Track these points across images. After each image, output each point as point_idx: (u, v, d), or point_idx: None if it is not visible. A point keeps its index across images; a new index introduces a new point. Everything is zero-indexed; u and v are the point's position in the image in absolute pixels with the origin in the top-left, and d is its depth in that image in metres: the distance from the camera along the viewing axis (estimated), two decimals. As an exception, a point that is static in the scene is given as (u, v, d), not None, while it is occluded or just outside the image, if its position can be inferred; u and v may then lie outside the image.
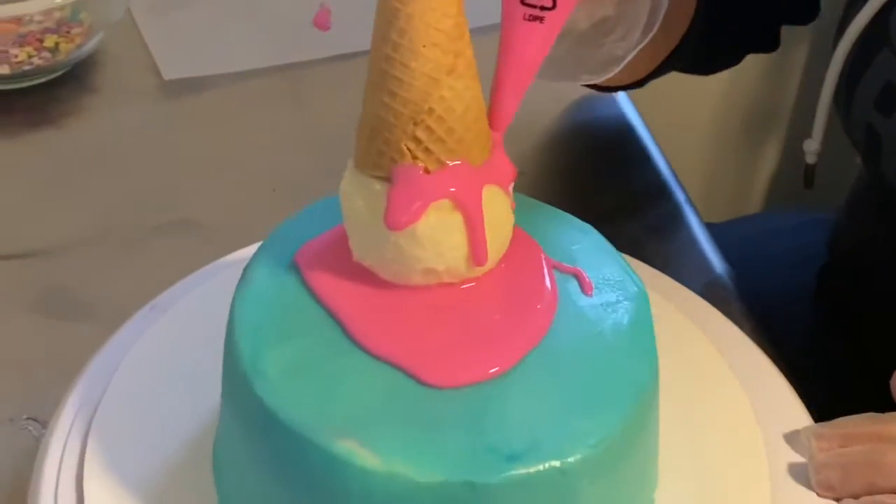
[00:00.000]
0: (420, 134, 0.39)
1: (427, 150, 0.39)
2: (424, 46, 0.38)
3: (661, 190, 0.69)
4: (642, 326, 0.42)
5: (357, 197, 0.41)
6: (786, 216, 0.87)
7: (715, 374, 0.49)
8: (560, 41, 0.54)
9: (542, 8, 0.41)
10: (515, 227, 0.43)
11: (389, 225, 0.39)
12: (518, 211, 0.44)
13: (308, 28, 0.79)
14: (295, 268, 0.43)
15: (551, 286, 0.42)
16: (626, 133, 0.74)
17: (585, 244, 0.45)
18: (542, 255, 0.43)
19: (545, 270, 0.43)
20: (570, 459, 0.37)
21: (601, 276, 0.44)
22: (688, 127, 1.26)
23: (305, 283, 0.42)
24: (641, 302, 0.43)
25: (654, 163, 0.71)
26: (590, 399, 0.39)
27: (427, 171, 0.39)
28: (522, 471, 0.37)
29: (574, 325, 0.41)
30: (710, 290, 0.57)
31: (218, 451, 0.45)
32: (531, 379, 0.39)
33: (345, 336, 0.40)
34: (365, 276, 0.42)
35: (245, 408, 0.40)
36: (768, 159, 1.33)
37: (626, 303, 0.43)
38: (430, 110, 0.38)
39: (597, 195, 0.66)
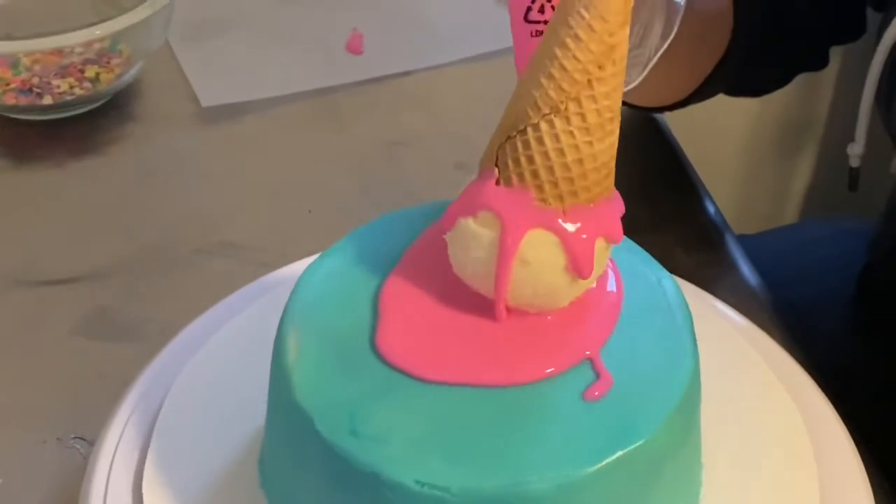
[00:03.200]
0: (508, 146, 0.39)
1: (506, 163, 0.39)
2: (542, 76, 0.38)
3: (692, 203, 0.70)
4: (599, 454, 0.38)
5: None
6: (819, 227, 0.87)
7: (764, 386, 0.49)
8: None
9: (546, 22, 0.41)
10: (616, 304, 0.42)
11: (444, 219, 0.41)
12: (654, 307, 0.43)
13: (342, 53, 0.81)
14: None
15: (556, 369, 0.40)
16: (658, 146, 0.74)
17: (664, 373, 0.41)
18: (590, 346, 0.41)
19: (570, 356, 0.41)
20: (391, 477, 0.37)
21: (627, 403, 0.40)
22: (722, 139, 1.26)
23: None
24: (631, 441, 0.39)
25: (685, 176, 0.71)
26: (451, 443, 0.39)
27: (498, 182, 0.40)
28: (356, 449, 0.38)
29: (535, 401, 0.39)
30: (741, 302, 0.57)
31: (263, 455, 0.46)
32: (438, 409, 0.39)
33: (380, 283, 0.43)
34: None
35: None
36: (803, 171, 1.33)
37: (612, 433, 0.39)
38: (524, 131, 0.39)
39: (629, 208, 0.66)
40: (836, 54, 0.71)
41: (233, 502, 0.44)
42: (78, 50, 0.70)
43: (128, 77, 0.75)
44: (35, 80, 0.71)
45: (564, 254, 0.40)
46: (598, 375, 0.40)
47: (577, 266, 0.40)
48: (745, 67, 0.64)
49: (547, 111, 0.38)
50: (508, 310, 0.41)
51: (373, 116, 0.76)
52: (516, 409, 0.39)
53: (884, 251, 0.71)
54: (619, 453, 0.38)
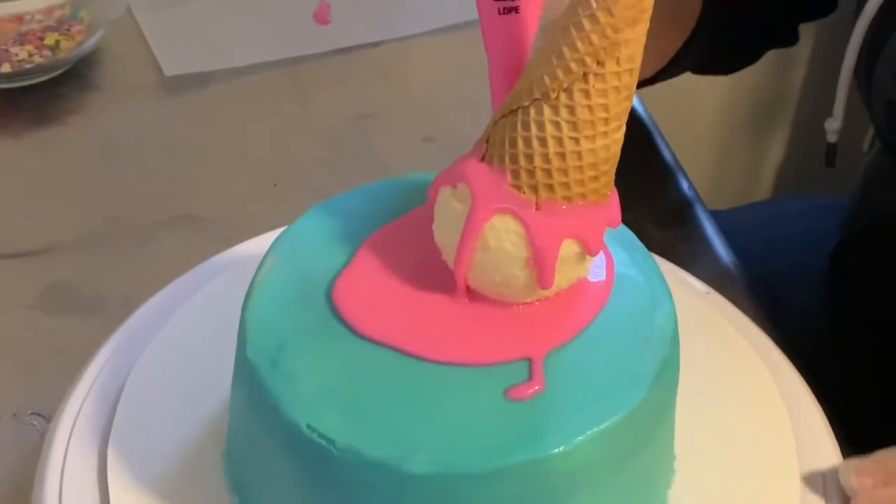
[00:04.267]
0: (499, 125, 0.38)
1: (494, 142, 0.38)
2: (542, 60, 0.37)
3: (666, 180, 0.69)
4: (493, 454, 0.37)
5: None
6: (791, 202, 0.87)
7: (744, 365, 0.49)
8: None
9: None
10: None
11: (432, 188, 0.40)
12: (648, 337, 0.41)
13: (309, 22, 0.80)
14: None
15: (489, 359, 0.39)
16: (630, 123, 0.73)
17: (610, 393, 0.39)
18: (538, 346, 0.39)
19: (510, 351, 0.39)
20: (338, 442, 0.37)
21: (549, 413, 0.38)
22: (694, 115, 1.26)
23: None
24: (535, 452, 0.37)
25: (658, 153, 0.71)
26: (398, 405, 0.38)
27: (482, 159, 0.38)
28: (269, 378, 0.39)
29: (456, 384, 0.38)
30: (714, 277, 0.56)
31: (228, 439, 0.45)
32: (358, 363, 0.39)
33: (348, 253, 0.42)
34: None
35: None
36: (775, 147, 1.33)
37: (517, 438, 0.37)
38: (515, 112, 0.37)
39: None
40: (809, 30, 0.70)
41: (197, 476, 0.44)
42: (37, 17, 0.69)
43: (89, 45, 0.73)
44: (-8, 48, 0.69)
45: (527, 247, 0.38)
46: (530, 376, 0.39)
47: (539, 263, 0.38)
48: (714, 44, 0.64)
49: (538, 96, 0.37)
50: (472, 292, 0.40)
51: (340, 88, 0.75)
52: (434, 386, 0.38)
53: (858, 227, 0.71)
54: (516, 460, 0.37)
